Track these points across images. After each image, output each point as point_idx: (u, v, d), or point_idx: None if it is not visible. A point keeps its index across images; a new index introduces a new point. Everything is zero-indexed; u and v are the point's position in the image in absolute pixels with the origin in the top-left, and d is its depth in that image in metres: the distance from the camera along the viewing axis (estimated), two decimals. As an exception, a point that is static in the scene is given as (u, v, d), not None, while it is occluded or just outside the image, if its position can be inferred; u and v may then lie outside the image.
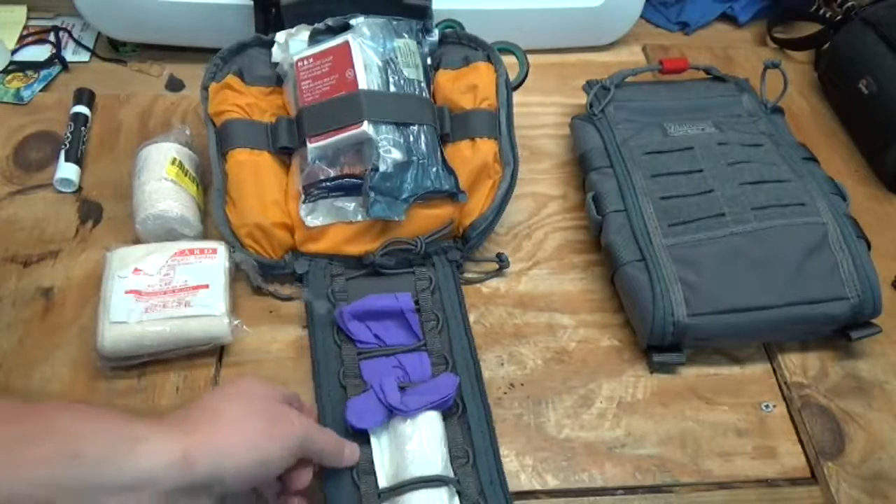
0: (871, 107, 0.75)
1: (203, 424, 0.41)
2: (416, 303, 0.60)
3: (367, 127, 0.60)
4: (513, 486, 0.54)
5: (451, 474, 0.51)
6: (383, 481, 0.51)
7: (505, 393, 0.59)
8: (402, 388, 0.53)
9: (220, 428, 0.41)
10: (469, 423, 0.54)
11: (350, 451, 0.50)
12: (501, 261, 0.65)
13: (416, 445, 0.50)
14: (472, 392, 0.56)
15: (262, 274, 0.62)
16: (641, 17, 0.86)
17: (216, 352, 0.59)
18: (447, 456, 0.52)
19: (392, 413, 0.52)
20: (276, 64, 0.68)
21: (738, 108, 0.72)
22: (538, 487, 0.54)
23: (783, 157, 0.67)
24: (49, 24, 0.83)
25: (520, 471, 0.55)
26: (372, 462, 0.51)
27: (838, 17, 0.84)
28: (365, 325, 0.58)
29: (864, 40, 0.78)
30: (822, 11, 0.87)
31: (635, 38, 0.88)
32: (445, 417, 0.54)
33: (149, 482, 0.37)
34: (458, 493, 0.50)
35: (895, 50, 0.74)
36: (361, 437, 0.52)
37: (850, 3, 0.83)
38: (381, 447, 0.52)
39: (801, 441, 0.57)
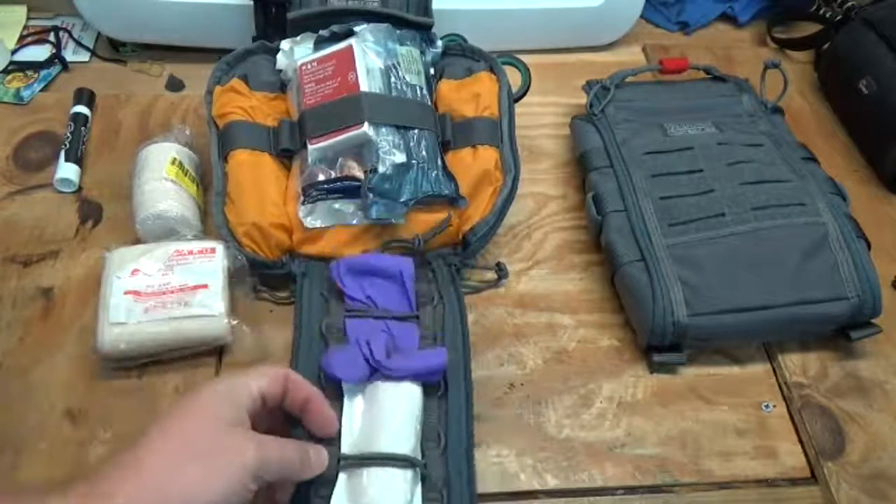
0: (871, 107, 0.75)
1: (121, 486, 0.37)
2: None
3: (367, 128, 0.60)
4: (513, 485, 0.54)
5: (420, 455, 0.48)
6: (346, 447, 0.48)
7: (505, 393, 0.58)
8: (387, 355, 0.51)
9: (142, 487, 0.37)
10: (448, 407, 0.52)
11: (316, 457, 0.45)
12: (500, 270, 0.64)
13: (390, 418, 0.47)
14: (456, 375, 0.53)
15: (255, 276, 0.61)
16: (641, 17, 0.86)
17: (216, 352, 0.59)
18: (420, 436, 0.49)
19: (374, 374, 0.49)
20: (281, 71, 0.68)
21: (738, 108, 0.72)
22: (538, 487, 0.54)
23: (783, 157, 0.67)
24: (49, 24, 0.83)
25: (520, 471, 0.54)
26: (339, 424, 0.48)
27: (838, 17, 0.84)
28: (359, 284, 0.56)
29: (864, 40, 0.78)
30: (822, 11, 0.87)
31: (635, 38, 0.88)
32: (425, 395, 0.51)
33: None
34: (423, 477, 0.48)
35: (895, 50, 0.74)
36: (333, 394, 0.49)
37: (850, 3, 0.83)
38: (352, 410, 0.49)
39: (801, 441, 0.57)
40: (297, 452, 0.43)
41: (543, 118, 0.79)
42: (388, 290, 0.57)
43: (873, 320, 0.60)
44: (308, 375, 0.48)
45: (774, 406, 0.59)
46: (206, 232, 0.64)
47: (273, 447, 0.41)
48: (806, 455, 0.57)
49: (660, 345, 0.59)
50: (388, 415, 0.48)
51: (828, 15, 0.86)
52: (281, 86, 0.68)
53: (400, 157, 0.60)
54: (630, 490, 0.54)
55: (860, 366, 0.62)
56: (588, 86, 0.74)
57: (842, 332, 0.61)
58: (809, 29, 0.88)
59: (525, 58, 0.72)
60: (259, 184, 0.62)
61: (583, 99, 0.74)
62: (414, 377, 0.50)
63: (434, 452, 0.49)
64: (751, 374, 0.61)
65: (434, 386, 0.52)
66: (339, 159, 0.61)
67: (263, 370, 0.45)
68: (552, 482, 0.54)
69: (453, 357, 0.54)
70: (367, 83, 0.62)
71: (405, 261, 0.57)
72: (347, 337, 0.54)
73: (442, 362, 0.51)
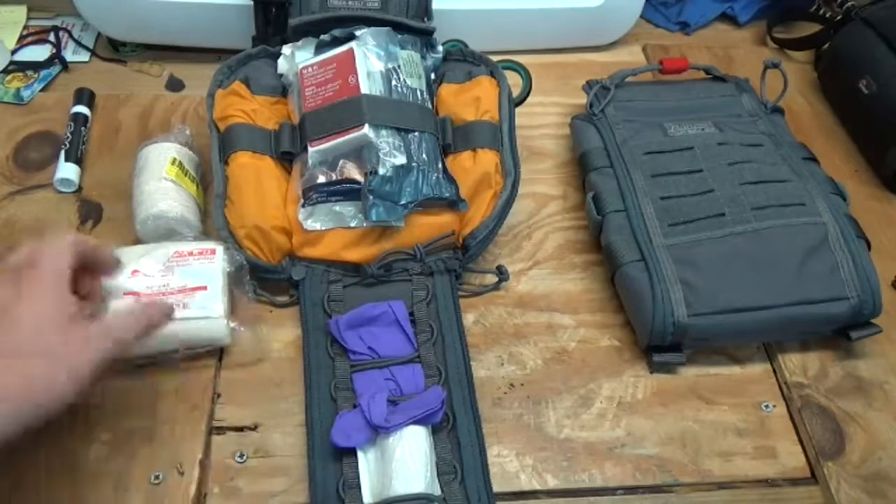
0: (871, 107, 0.75)
1: None
2: (412, 313, 0.60)
3: (367, 130, 0.60)
4: (513, 486, 0.54)
5: (438, 490, 0.51)
6: (368, 496, 0.50)
7: (505, 393, 0.59)
8: (393, 402, 0.53)
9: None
10: (458, 437, 0.54)
11: (158, 311, 0.49)
12: (501, 273, 0.64)
13: (400, 459, 0.50)
14: (463, 406, 0.55)
15: (256, 279, 0.61)
16: (641, 17, 0.86)
17: (216, 353, 0.59)
18: (433, 471, 0.51)
19: (378, 431, 0.52)
20: (282, 75, 0.68)
21: (738, 108, 0.72)
22: (538, 487, 0.54)
23: (783, 157, 0.67)
24: (49, 24, 0.83)
25: (520, 471, 0.55)
26: (358, 476, 0.51)
27: (838, 17, 0.84)
28: (359, 336, 0.58)
29: (864, 40, 0.78)
30: (822, 11, 0.87)
31: (635, 38, 0.88)
32: (435, 431, 0.53)
33: None
34: None
35: (895, 50, 0.74)
36: (350, 449, 0.52)
37: (850, 3, 0.83)
38: (367, 460, 0.52)
39: (801, 441, 0.58)
40: (135, 320, 0.48)
41: (544, 118, 0.79)
42: (387, 335, 0.58)
43: (873, 320, 0.60)
44: (325, 442, 0.52)
45: (774, 406, 0.59)
46: (206, 232, 0.64)
47: (113, 327, 0.46)
48: (806, 455, 0.57)
49: (660, 345, 0.59)
50: (397, 459, 0.50)
51: (828, 15, 0.86)
52: (282, 90, 0.68)
53: (400, 159, 0.60)
54: (630, 490, 0.54)
55: (860, 366, 0.62)
56: (588, 86, 0.74)
57: (842, 333, 0.61)
58: (809, 29, 0.88)
59: (525, 58, 0.72)
60: (260, 186, 0.62)
61: (583, 99, 0.74)
62: (416, 423, 0.52)
63: (452, 485, 0.51)
64: (751, 374, 0.61)
65: (443, 420, 0.54)
66: (340, 161, 0.61)
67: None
68: (552, 482, 0.54)
69: (458, 391, 0.56)
70: (368, 86, 0.62)
71: (397, 305, 0.59)
72: (355, 393, 0.55)
73: (436, 405, 0.52)
